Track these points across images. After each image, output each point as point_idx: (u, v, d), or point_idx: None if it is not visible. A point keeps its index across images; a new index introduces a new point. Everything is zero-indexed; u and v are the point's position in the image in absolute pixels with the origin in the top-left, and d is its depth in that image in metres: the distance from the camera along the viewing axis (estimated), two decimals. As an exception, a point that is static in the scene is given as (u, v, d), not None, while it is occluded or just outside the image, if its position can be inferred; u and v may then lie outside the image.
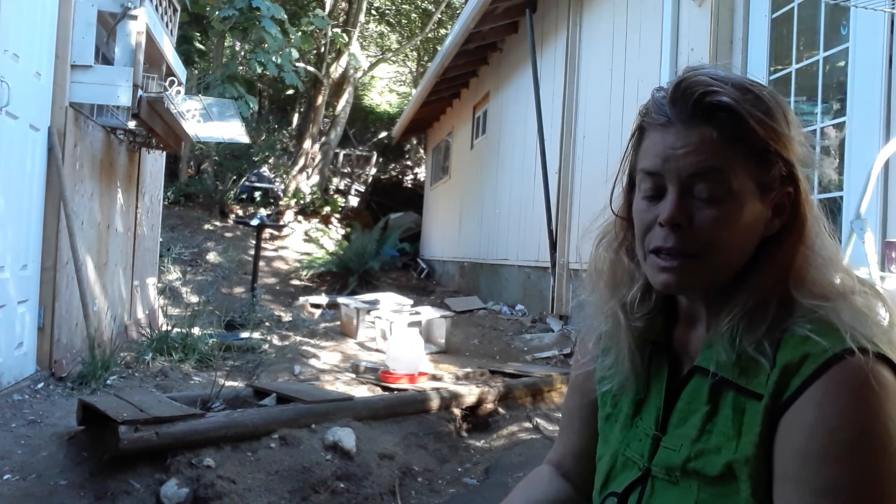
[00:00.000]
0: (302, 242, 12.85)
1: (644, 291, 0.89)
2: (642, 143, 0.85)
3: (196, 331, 5.04)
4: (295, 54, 10.91)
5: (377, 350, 5.38)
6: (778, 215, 0.81)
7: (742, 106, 0.77)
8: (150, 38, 4.75)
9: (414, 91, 13.45)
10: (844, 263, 0.82)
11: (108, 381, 3.89)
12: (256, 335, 5.60)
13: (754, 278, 0.80)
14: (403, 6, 18.05)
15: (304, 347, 5.40)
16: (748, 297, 0.79)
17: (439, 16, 16.21)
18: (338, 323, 6.51)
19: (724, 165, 0.78)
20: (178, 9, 6.08)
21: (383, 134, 17.24)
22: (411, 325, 5.23)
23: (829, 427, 0.70)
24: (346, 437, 2.94)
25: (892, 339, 0.76)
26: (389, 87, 20.26)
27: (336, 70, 14.47)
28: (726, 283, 0.82)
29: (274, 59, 9.78)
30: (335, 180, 16.26)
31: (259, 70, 10.45)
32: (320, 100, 14.52)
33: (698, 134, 0.78)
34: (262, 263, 9.92)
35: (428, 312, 5.71)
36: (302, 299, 8.61)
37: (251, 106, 10.07)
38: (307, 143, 14.62)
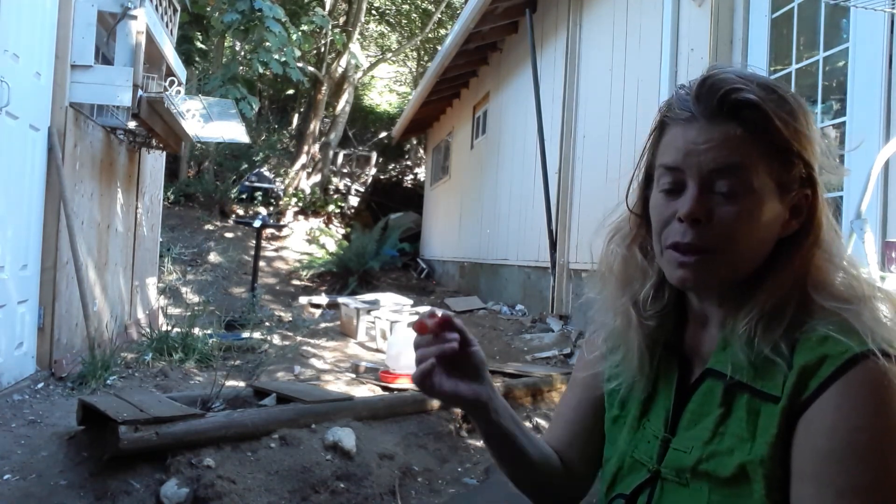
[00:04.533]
0: (302, 242, 12.85)
1: (657, 289, 0.89)
2: (662, 139, 0.84)
3: (196, 331, 5.04)
4: (297, 52, 10.91)
5: (377, 350, 5.37)
6: (795, 217, 0.81)
7: (767, 104, 0.77)
8: (150, 38, 4.75)
9: (414, 91, 13.45)
10: (860, 269, 0.82)
11: (108, 381, 3.89)
12: (257, 335, 5.60)
13: (772, 280, 0.80)
14: (403, 6, 18.06)
15: (305, 347, 5.40)
16: (766, 298, 0.79)
17: (439, 16, 16.20)
18: (338, 323, 6.51)
19: (746, 162, 0.78)
20: (178, 9, 6.08)
21: (383, 134, 17.24)
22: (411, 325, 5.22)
23: (850, 428, 0.70)
24: (346, 437, 2.94)
25: None
26: (389, 87, 20.26)
27: (336, 70, 14.47)
28: (741, 283, 0.81)
29: (277, 57, 9.77)
30: (335, 180, 16.26)
31: (262, 70, 10.43)
32: (320, 99, 14.52)
33: (722, 130, 0.78)
34: (262, 263, 9.92)
35: (428, 312, 5.69)
36: (302, 299, 8.61)
37: (253, 107, 10.05)
38: (307, 143, 14.62)
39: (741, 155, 0.77)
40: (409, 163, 18.14)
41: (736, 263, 0.80)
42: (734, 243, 0.78)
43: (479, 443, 3.47)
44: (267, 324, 6.55)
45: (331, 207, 14.53)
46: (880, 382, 0.71)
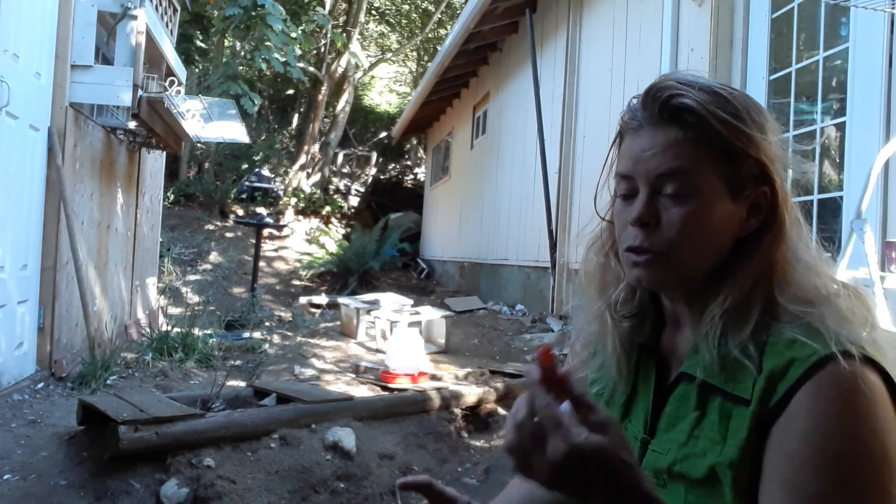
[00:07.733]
0: (302, 242, 12.85)
1: (628, 291, 0.91)
2: (621, 149, 0.88)
3: (196, 331, 5.04)
4: (297, 51, 10.88)
5: (377, 350, 5.38)
6: (754, 215, 0.82)
7: (705, 107, 0.79)
8: (150, 38, 4.75)
9: (414, 91, 13.45)
10: (826, 267, 0.83)
11: (108, 381, 3.89)
12: (257, 335, 5.60)
13: (731, 278, 0.81)
14: (403, 6, 18.05)
15: (305, 347, 5.40)
16: (726, 295, 0.80)
17: (439, 16, 16.19)
18: (338, 323, 6.51)
19: (689, 165, 0.80)
20: (178, 8, 6.08)
21: (383, 134, 17.24)
22: (411, 325, 5.23)
23: (820, 433, 0.70)
24: (346, 437, 2.94)
25: (877, 341, 0.77)
26: (389, 87, 20.25)
27: (336, 70, 14.47)
28: (706, 282, 0.83)
29: (278, 55, 9.75)
30: (335, 180, 16.26)
31: (264, 67, 10.40)
32: (320, 99, 14.52)
33: (665, 136, 0.81)
34: (262, 263, 9.92)
35: (428, 312, 5.70)
36: (302, 299, 8.61)
37: (255, 102, 10.01)
38: (307, 143, 14.62)
39: (684, 158, 0.80)
40: (409, 163, 18.13)
41: (688, 263, 0.82)
42: (682, 243, 0.81)
43: (479, 443, 3.47)
44: (267, 324, 6.55)
45: (330, 207, 14.52)
46: (848, 385, 0.71)
